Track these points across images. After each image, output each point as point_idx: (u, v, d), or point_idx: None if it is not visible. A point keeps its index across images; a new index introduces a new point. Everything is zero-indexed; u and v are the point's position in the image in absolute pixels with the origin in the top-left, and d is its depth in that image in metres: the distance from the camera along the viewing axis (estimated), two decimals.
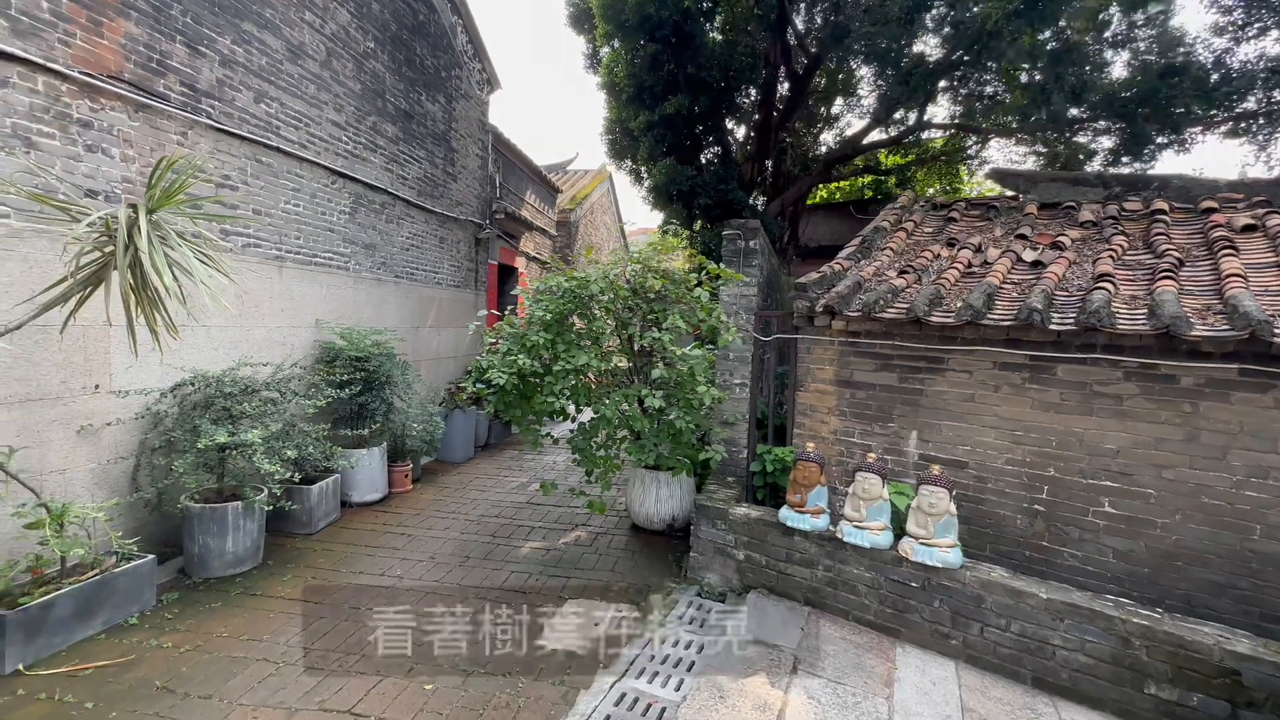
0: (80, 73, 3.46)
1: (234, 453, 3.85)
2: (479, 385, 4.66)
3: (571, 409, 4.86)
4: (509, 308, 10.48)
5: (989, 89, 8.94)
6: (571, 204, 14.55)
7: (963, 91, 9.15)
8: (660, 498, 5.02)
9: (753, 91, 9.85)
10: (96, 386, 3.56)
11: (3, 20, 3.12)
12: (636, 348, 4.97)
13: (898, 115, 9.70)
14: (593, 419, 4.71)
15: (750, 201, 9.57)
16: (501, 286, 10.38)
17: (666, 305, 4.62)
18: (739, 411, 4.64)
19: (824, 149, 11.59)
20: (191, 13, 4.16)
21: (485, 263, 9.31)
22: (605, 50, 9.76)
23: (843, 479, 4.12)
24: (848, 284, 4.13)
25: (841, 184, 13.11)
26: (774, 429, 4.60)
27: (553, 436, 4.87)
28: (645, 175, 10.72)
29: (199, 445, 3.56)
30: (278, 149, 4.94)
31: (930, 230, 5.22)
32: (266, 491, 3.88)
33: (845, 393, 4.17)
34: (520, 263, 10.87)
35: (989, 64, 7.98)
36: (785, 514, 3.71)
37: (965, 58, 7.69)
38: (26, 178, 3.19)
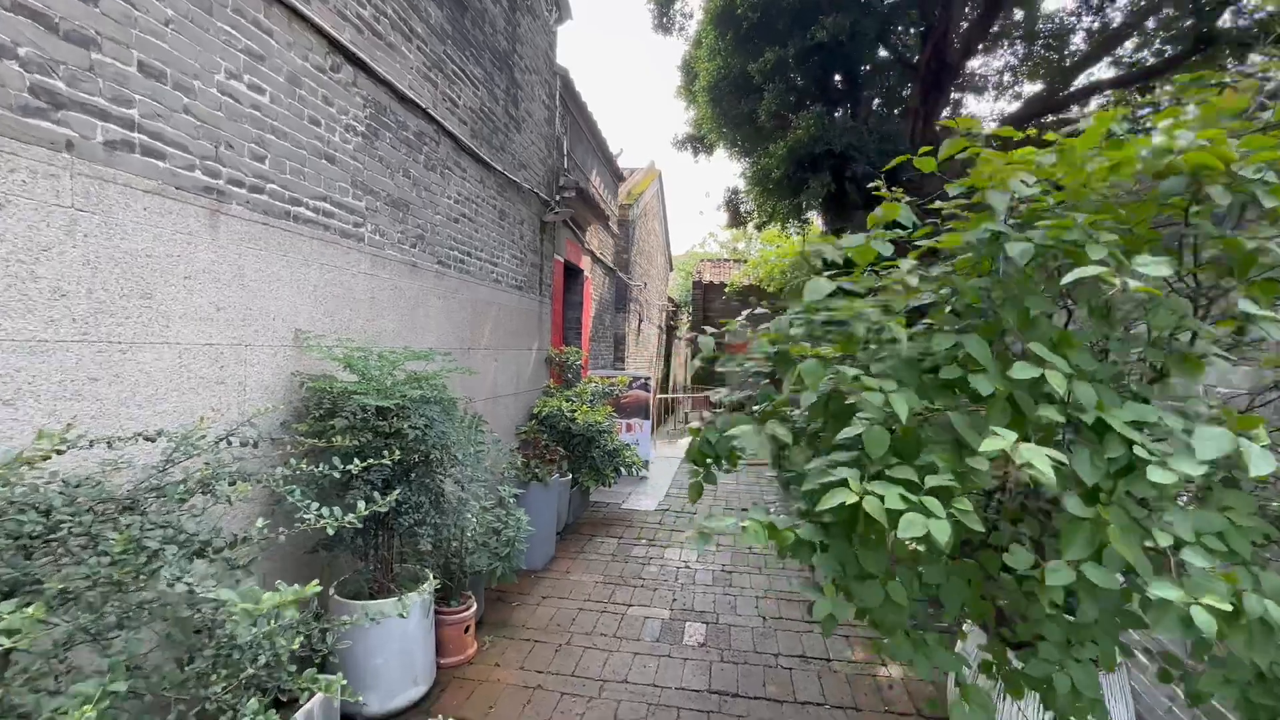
0: None
1: None
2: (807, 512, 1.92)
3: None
4: (574, 323, 7.75)
5: None
6: (629, 199, 11.91)
7: None
8: None
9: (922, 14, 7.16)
10: None
11: None
12: None
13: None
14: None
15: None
16: (565, 294, 7.64)
17: None
18: None
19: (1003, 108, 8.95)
20: None
21: (550, 258, 6.57)
22: None
23: None
24: None
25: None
26: None
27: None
28: (752, 149, 8.05)
29: None
30: None
31: None
32: None
33: None
34: (585, 264, 8.14)
35: None
36: None
37: None
38: None
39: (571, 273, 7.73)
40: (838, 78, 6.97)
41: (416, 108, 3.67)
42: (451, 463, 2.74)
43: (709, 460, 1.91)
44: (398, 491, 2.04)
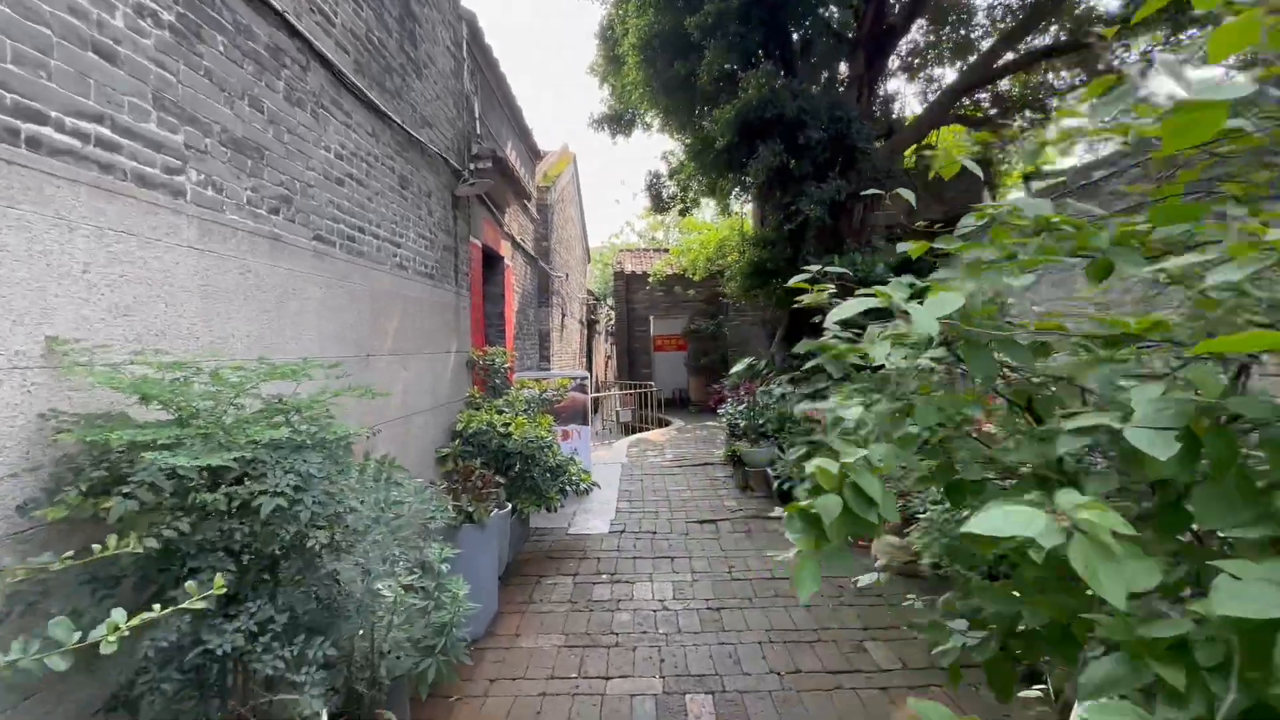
0: None
1: None
2: None
3: None
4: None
5: None
6: (546, 181, 10.84)
7: None
8: None
9: None
10: None
11: None
12: None
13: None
14: None
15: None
16: (484, 285, 6.52)
17: None
18: None
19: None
20: None
21: (466, 240, 5.47)
22: None
23: None
24: None
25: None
26: None
27: None
28: (688, 119, 7.29)
29: None
30: None
31: None
32: None
33: None
34: (506, 250, 7.04)
35: None
36: None
37: None
38: None
39: (490, 260, 6.62)
40: (781, 40, 6.35)
41: (268, 9, 2.52)
42: (349, 539, 1.71)
43: (858, 525, 1.03)
44: (254, 604, 1.02)
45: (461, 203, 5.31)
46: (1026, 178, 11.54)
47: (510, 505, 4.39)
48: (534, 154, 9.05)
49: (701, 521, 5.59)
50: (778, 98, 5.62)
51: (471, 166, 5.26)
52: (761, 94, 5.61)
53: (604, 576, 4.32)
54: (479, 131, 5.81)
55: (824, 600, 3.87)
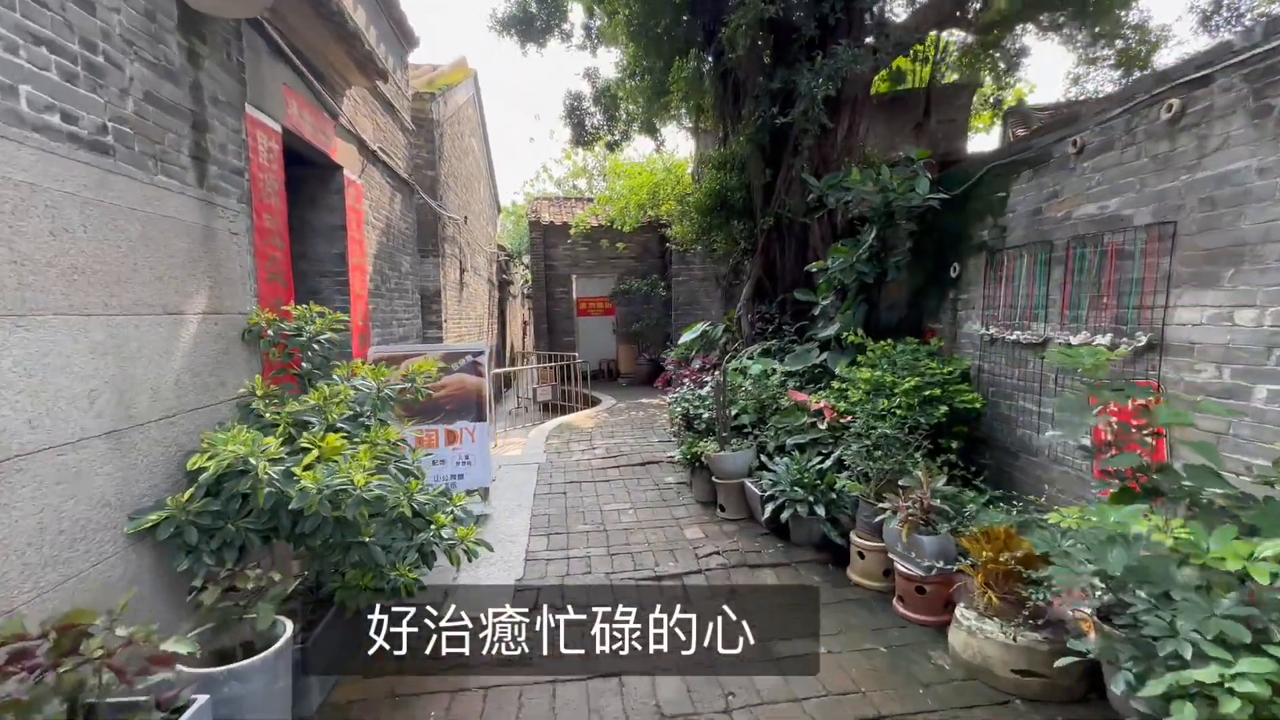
0: None
1: None
2: None
3: None
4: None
5: None
6: (430, 88, 8.14)
7: None
8: None
9: None
10: None
11: None
12: None
13: None
14: None
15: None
16: (296, 205, 4.05)
17: None
18: None
19: None
20: None
21: (238, 110, 2.99)
22: None
23: None
24: None
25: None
26: None
27: None
28: None
29: None
30: None
31: None
32: None
33: None
34: (345, 156, 4.51)
35: None
36: None
37: None
38: None
39: (310, 165, 4.13)
40: None
41: None
42: None
43: None
44: None
45: (213, 30, 2.83)
46: (1007, 114, 10.09)
47: (320, 606, 2.20)
48: (405, 37, 6.38)
49: (660, 579, 3.60)
50: None
51: None
52: None
53: (513, 715, 2.22)
54: None
55: None
